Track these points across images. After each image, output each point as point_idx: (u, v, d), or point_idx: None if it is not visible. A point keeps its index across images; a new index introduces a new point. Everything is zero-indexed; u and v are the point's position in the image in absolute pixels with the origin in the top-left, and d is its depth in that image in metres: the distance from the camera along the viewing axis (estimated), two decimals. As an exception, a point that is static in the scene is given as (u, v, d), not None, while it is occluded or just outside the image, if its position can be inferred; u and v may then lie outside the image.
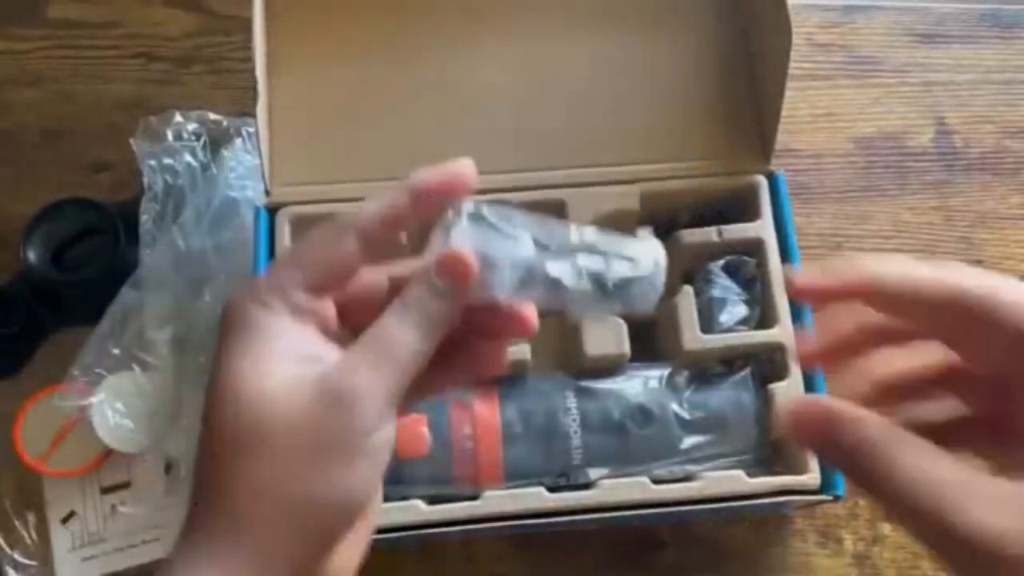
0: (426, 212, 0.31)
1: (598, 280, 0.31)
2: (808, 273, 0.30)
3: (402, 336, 0.30)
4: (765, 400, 0.52)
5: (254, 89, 0.51)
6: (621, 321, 0.52)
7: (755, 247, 0.54)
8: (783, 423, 0.28)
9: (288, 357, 0.29)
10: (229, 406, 0.28)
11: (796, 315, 0.52)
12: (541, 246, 0.31)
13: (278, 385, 0.28)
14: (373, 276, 0.32)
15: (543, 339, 0.47)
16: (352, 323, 0.31)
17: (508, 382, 0.52)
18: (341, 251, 0.31)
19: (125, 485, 0.55)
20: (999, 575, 0.23)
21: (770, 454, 0.52)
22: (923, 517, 0.25)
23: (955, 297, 0.27)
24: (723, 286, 0.53)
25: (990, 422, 0.30)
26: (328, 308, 0.31)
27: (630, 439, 0.50)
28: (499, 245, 0.30)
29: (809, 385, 0.51)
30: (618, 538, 0.56)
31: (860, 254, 0.26)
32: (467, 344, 0.32)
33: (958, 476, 0.25)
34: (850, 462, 0.26)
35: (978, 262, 0.63)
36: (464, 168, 0.31)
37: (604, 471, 0.50)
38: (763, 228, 0.54)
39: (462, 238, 0.30)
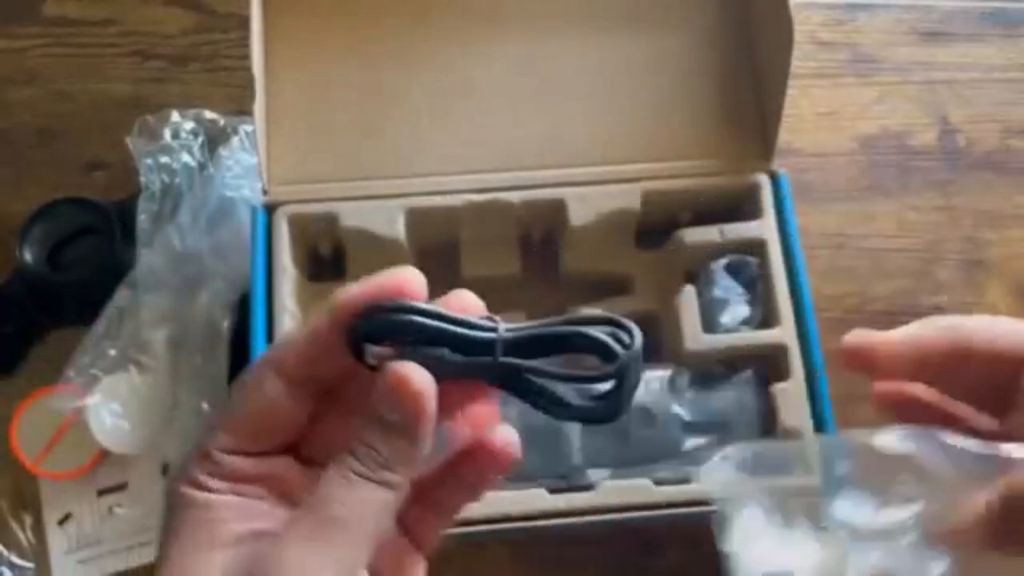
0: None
1: None
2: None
3: (347, 494, 0.25)
4: (767, 401, 0.51)
5: (251, 87, 0.50)
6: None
7: (757, 247, 0.53)
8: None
9: (227, 542, 0.26)
10: None
11: (799, 315, 0.52)
12: None
13: None
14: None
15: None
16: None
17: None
18: (263, 400, 0.27)
19: (122, 487, 0.55)
20: None
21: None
22: None
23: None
24: (725, 286, 0.53)
25: None
26: (278, 465, 0.28)
27: (631, 440, 0.50)
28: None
29: (811, 386, 0.51)
30: (619, 540, 0.55)
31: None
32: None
33: None
34: None
35: (981, 261, 0.62)
36: (401, 279, 0.27)
37: (605, 472, 0.50)
38: (765, 228, 0.54)
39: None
